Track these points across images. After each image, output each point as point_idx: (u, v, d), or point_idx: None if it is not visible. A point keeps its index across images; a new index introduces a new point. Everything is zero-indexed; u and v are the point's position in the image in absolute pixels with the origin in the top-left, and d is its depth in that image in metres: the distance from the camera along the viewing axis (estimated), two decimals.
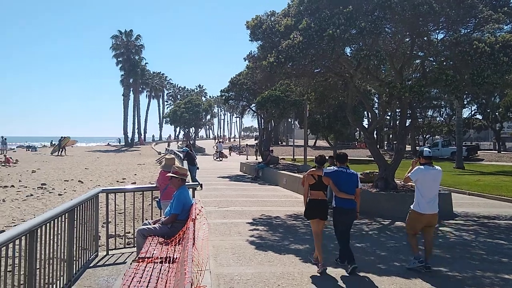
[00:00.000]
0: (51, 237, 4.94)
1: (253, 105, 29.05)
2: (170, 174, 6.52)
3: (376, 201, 12.08)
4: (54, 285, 5.07)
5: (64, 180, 22.27)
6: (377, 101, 27.05)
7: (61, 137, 51.36)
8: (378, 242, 8.72)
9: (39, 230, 4.49)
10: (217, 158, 41.60)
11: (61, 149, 48.42)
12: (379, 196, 12.27)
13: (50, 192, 17.91)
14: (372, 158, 16.26)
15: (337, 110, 24.48)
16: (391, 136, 58.03)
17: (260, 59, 13.57)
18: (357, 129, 50.38)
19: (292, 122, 53.91)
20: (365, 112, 27.37)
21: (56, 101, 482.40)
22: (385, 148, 53.05)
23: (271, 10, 13.88)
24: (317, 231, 6.72)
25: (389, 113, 42.80)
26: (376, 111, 23.18)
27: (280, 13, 13.36)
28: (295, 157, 35.95)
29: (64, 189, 18.95)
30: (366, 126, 16.02)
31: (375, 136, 30.00)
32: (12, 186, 19.98)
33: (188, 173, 13.70)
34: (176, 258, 4.59)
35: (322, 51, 11.26)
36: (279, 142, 72.16)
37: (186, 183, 6.77)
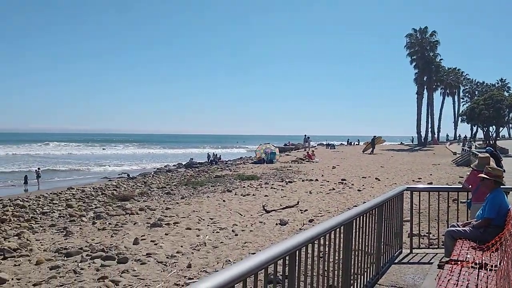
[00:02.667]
0: (362, 230, 5.20)
1: None
2: (482, 175, 6.04)
3: None
4: (363, 276, 5.32)
5: (362, 177, 23.31)
6: None
7: (374, 136, 53.48)
8: None
9: (354, 222, 4.79)
10: None
11: (373, 148, 50.48)
12: None
13: (349, 188, 19.02)
14: None
15: None
16: None
17: None
18: None
19: None
20: None
21: (344, 102, 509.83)
22: None
23: None
24: None
25: None
26: None
27: None
28: None
29: (363, 185, 19.82)
30: None
31: None
32: (316, 180, 22.06)
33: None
34: (497, 266, 4.20)
35: None
36: None
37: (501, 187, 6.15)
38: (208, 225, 11.93)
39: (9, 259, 9.24)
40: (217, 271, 2.38)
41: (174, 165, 43.46)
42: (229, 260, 8.46)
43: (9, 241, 10.83)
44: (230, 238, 10.42)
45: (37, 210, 16.06)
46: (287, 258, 3.14)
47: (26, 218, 14.61)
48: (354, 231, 4.82)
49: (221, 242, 10.05)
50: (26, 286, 7.46)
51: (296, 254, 3.28)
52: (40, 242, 10.78)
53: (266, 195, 17.11)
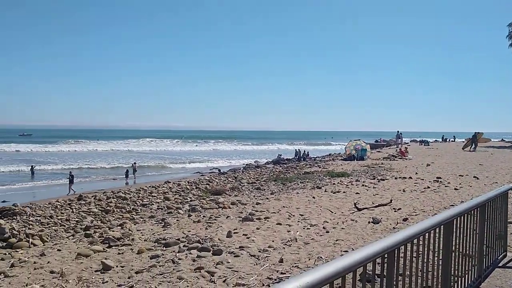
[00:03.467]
0: (462, 230, 4.98)
1: None
2: None
3: None
4: (463, 278, 5.09)
5: (459, 175, 22.10)
6: None
7: (475, 132, 50.55)
8: None
9: (454, 222, 4.60)
10: None
11: (474, 145, 47.71)
12: None
13: (445, 186, 18.12)
14: None
15: None
16: None
17: None
18: None
19: None
20: None
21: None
22: None
23: None
24: None
25: None
26: None
27: None
28: None
29: (460, 183, 18.80)
30: None
31: None
32: (410, 177, 21.27)
33: None
34: None
35: None
36: None
37: None
38: (298, 221, 11.99)
39: (113, 247, 9.97)
40: (310, 267, 2.42)
41: (263, 162, 44.12)
42: (321, 257, 8.44)
43: (113, 231, 11.70)
44: (321, 235, 10.39)
45: (138, 202, 17.15)
46: (385, 256, 3.12)
47: (127, 209, 15.67)
48: (453, 231, 4.64)
49: (312, 239, 10.05)
50: (129, 273, 7.97)
51: (394, 253, 3.25)
52: (141, 232, 11.49)
53: (357, 193, 16.82)
